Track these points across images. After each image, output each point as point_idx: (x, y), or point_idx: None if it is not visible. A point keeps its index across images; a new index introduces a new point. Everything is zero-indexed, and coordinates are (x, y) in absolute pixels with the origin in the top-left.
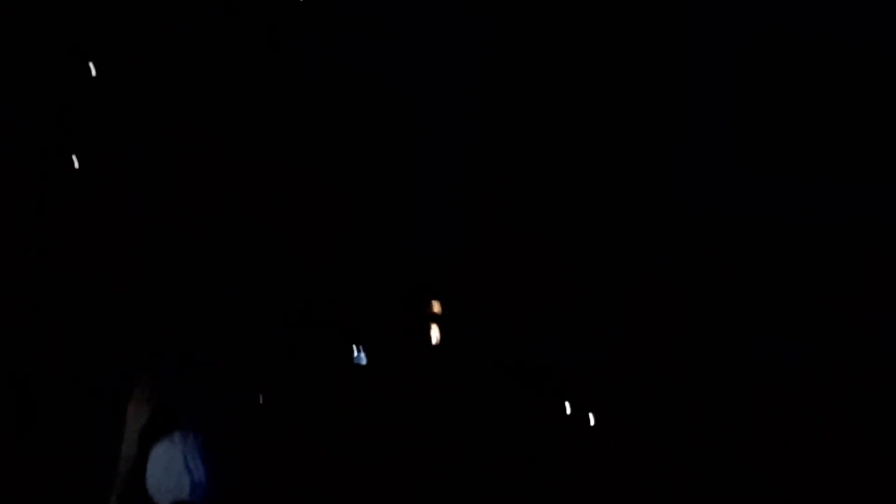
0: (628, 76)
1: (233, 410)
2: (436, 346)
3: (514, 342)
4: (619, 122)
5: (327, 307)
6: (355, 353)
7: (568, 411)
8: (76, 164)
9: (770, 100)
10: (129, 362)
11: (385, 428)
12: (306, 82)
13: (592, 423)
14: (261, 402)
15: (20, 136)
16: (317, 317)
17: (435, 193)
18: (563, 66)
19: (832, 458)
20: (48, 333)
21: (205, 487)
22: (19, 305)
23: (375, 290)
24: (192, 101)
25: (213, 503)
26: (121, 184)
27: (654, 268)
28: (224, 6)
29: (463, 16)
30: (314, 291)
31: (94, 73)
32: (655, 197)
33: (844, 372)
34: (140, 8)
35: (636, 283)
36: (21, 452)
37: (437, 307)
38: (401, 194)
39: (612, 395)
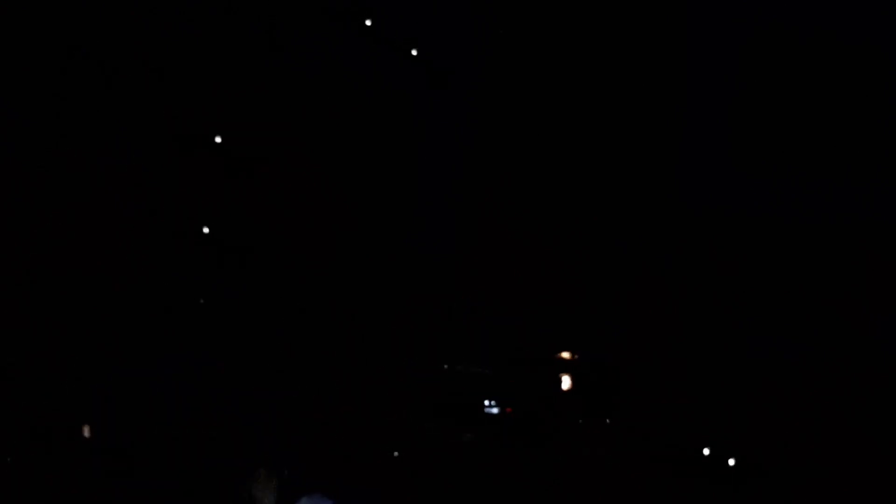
0: (629, 76)
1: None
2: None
3: (514, 340)
4: (620, 123)
5: (327, 306)
6: (486, 403)
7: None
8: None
9: (769, 100)
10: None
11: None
12: (306, 82)
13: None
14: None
15: (20, 136)
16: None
17: (435, 193)
18: (563, 66)
19: (832, 457)
20: (48, 333)
21: None
22: (19, 305)
23: (375, 288)
24: (192, 100)
25: None
26: (121, 184)
27: (654, 267)
28: (224, 6)
29: (463, 16)
30: (314, 290)
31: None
32: (655, 197)
33: (844, 371)
34: (140, 8)
35: (636, 283)
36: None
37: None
38: (401, 194)
39: (611, 393)
